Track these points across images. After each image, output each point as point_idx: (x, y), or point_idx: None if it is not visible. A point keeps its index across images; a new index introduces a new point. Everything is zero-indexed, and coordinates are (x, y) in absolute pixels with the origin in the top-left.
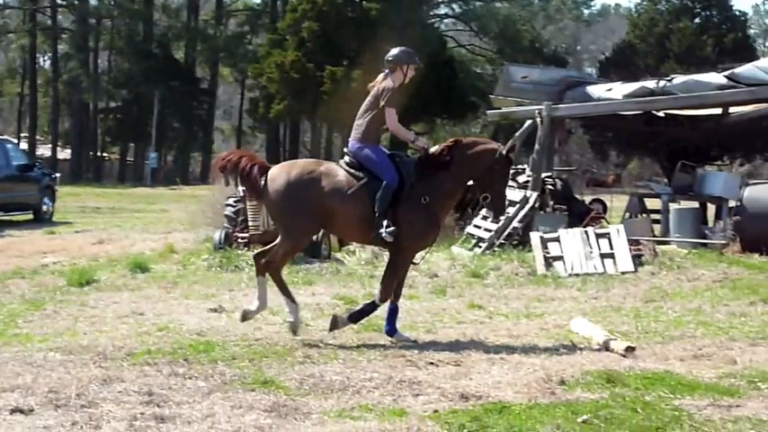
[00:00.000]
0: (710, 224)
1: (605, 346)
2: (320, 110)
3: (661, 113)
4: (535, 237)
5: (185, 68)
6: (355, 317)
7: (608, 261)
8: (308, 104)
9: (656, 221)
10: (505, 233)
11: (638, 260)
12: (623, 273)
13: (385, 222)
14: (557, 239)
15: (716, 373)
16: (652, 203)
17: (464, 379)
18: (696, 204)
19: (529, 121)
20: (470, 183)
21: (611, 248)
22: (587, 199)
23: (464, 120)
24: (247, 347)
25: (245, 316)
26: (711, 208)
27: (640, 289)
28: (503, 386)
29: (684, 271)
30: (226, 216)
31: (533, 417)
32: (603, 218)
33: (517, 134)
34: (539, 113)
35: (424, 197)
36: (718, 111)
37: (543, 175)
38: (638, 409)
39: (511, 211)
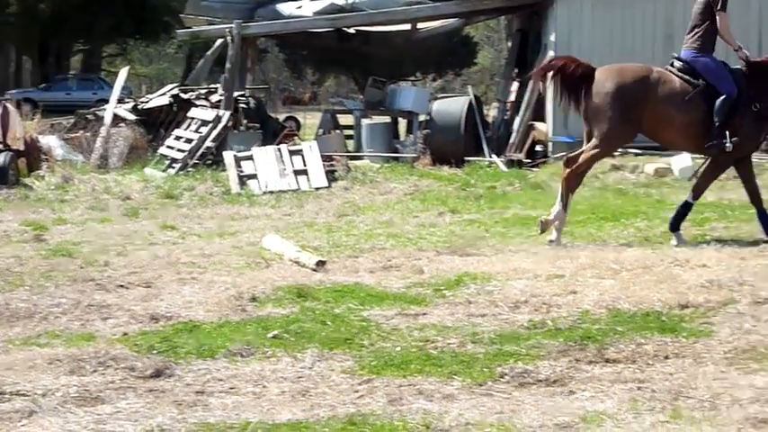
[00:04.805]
0: (402, 138)
1: (296, 262)
2: (6, 33)
3: (352, 30)
4: (228, 156)
5: None
6: (675, 224)
7: (302, 178)
8: None
9: (350, 137)
10: (199, 153)
11: (331, 176)
12: (317, 188)
13: (727, 133)
14: (250, 158)
15: (404, 283)
16: (346, 119)
17: (155, 300)
18: (387, 119)
19: (220, 40)
20: None
21: (305, 165)
22: (281, 117)
23: (158, 41)
24: None
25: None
26: (403, 122)
27: (333, 204)
28: (194, 306)
29: (377, 185)
30: None
31: (224, 334)
32: (297, 135)
33: (208, 53)
34: (229, 32)
35: (755, 104)
36: (408, 27)
37: (236, 94)
38: (328, 322)
39: (204, 130)
